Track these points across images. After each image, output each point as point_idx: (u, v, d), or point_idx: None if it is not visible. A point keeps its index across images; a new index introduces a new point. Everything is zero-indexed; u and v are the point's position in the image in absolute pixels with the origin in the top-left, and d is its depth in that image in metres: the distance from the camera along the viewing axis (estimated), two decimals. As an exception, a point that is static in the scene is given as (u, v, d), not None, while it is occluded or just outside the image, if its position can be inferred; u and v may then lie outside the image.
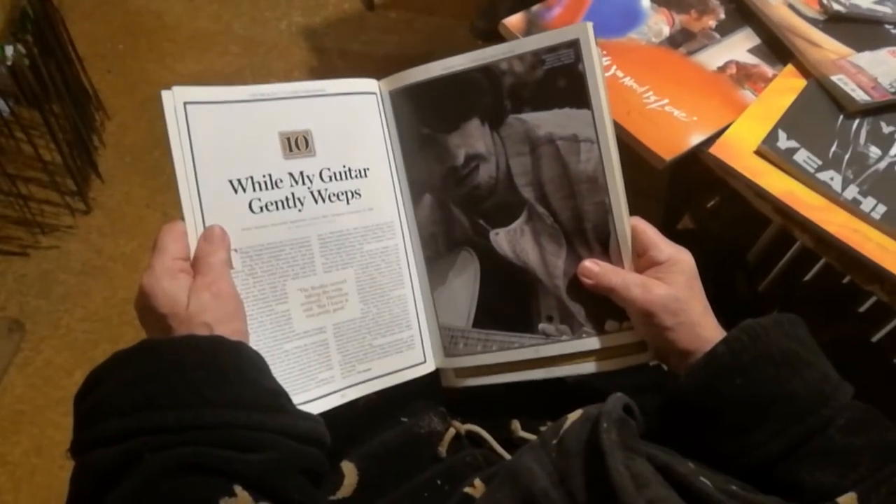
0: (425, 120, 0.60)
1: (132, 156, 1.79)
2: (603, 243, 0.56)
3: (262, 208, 0.55)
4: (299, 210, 0.56)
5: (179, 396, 0.44)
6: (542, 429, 0.57)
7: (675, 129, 0.72)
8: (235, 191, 0.54)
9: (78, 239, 1.65)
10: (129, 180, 1.75)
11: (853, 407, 0.49)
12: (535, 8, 0.83)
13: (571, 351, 0.57)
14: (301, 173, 0.56)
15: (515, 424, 0.58)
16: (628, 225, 0.56)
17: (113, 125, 1.84)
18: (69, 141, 1.59)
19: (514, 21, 0.81)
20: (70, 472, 0.44)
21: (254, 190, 0.55)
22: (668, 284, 0.53)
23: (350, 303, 0.58)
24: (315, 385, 0.56)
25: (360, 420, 0.61)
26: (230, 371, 0.46)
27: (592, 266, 0.56)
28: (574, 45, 0.55)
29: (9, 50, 1.28)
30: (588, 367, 0.57)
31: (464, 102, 0.59)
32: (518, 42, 0.57)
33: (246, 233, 0.54)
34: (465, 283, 0.60)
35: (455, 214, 0.60)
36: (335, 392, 0.56)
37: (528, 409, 0.59)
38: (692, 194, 1.27)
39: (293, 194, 0.56)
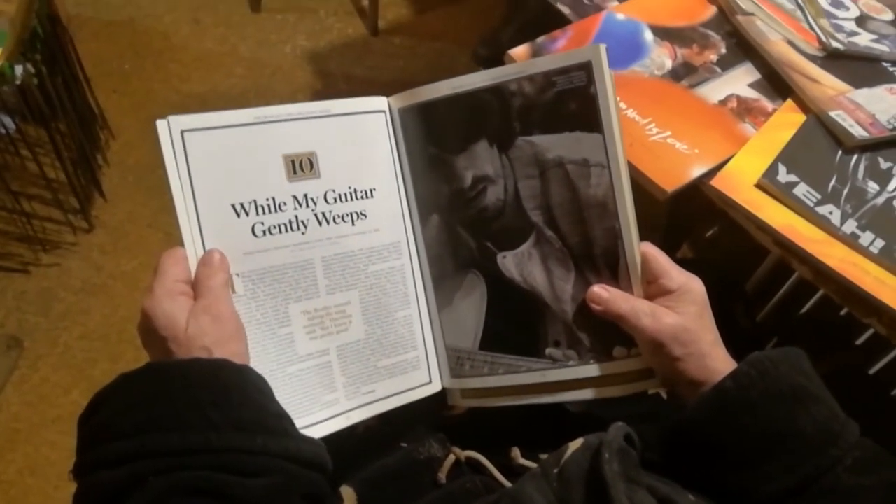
0: (433, 139, 0.59)
1: (136, 175, 1.81)
2: (612, 269, 0.55)
3: (264, 232, 0.55)
4: (303, 233, 0.56)
5: (184, 419, 0.44)
6: (543, 456, 0.57)
7: (677, 161, 0.74)
8: (238, 214, 0.54)
9: (79, 257, 1.66)
10: (131, 199, 1.76)
11: (861, 446, 0.48)
12: (540, 39, 0.84)
13: (578, 377, 0.56)
14: (305, 195, 0.56)
15: (516, 452, 0.58)
16: (638, 251, 0.55)
17: (118, 144, 1.85)
18: (74, 159, 1.61)
19: (519, 52, 0.82)
20: (65, 492, 0.44)
21: (257, 213, 0.55)
22: (679, 314, 0.52)
23: (354, 324, 0.58)
24: (319, 408, 0.56)
25: (359, 445, 0.61)
26: (234, 394, 0.46)
27: (601, 292, 0.55)
28: (586, 67, 0.54)
29: (18, 69, 1.30)
30: (594, 394, 0.57)
31: (472, 123, 0.58)
32: (529, 63, 0.56)
33: (248, 257, 0.54)
34: (472, 305, 0.60)
35: (462, 236, 0.60)
36: (340, 414, 0.56)
37: (528, 437, 0.59)
38: (691, 223, 1.28)
39: (297, 217, 0.56)
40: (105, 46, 2.06)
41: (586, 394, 0.57)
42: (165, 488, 0.42)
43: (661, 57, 0.85)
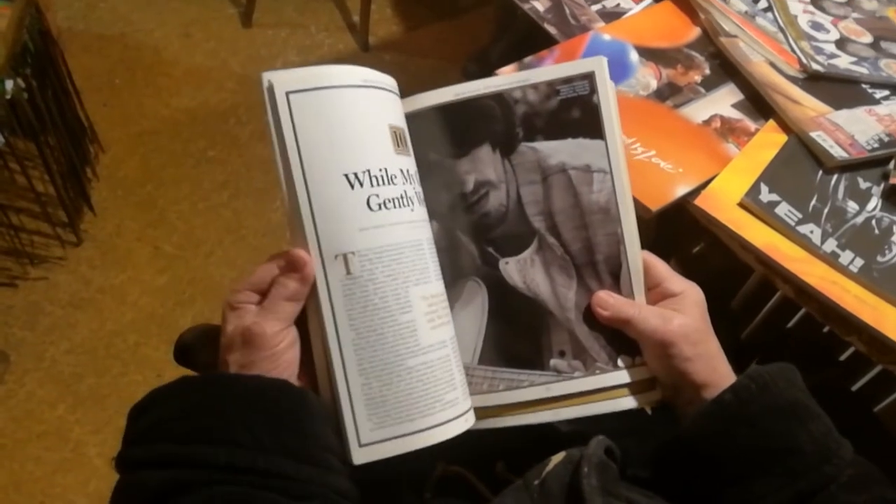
0: (434, 145, 0.59)
1: (125, 189, 1.81)
2: (614, 275, 0.56)
3: (380, 206, 0.50)
4: (412, 210, 0.52)
5: (236, 436, 0.45)
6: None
7: (662, 180, 0.75)
8: (352, 186, 0.49)
9: (67, 270, 1.65)
10: (120, 213, 1.76)
11: (855, 464, 0.49)
12: (527, 59, 0.86)
13: (583, 389, 0.55)
14: (407, 171, 0.53)
15: (501, 466, 0.58)
16: (640, 257, 0.55)
17: (107, 158, 1.85)
18: (63, 172, 1.60)
19: (507, 71, 0.84)
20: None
21: (371, 185, 0.49)
22: (686, 315, 0.53)
23: (451, 317, 0.55)
24: (440, 408, 0.50)
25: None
26: (288, 419, 0.47)
27: (607, 297, 0.55)
28: (589, 77, 0.56)
29: (8, 84, 1.30)
30: (599, 408, 0.55)
31: (475, 128, 0.58)
32: (533, 72, 0.57)
33: (364, 233, 0.49)
34: (472, 315, 0.58)
35: (463, 242, 0.58)
36: (459, 416, 0.52)
37: (513, 451, 0.59)
38: (677, 240, 1.29)
39: (405, 192, 0.52)
40: (95, 60, 2.06)
41: (590, 409, 0.55)
42: (206, 499, 0.43)
43: (647, 77, 0.86)
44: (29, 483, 1.35)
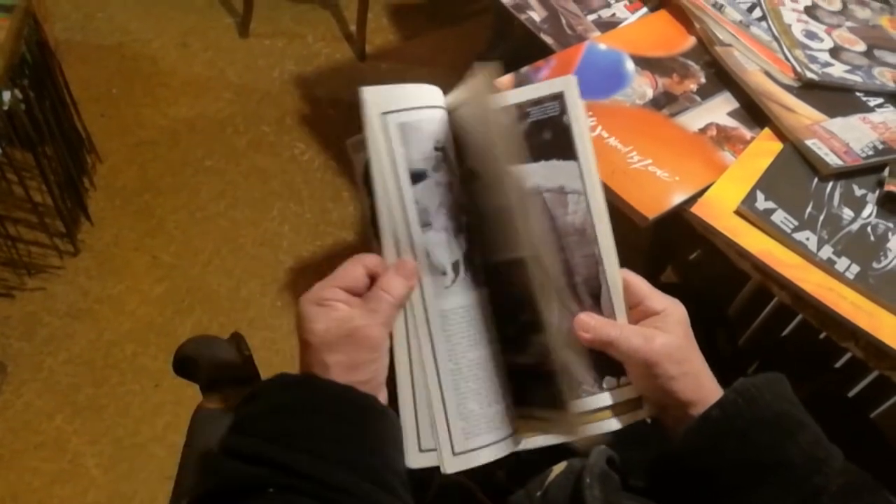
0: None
1: (122, 199, 1.81)
2: (594, 296, 0.55)
3: None
4: None
5: (317, 444, 0.46)
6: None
7: (658, 188, 0.75)
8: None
9: (64, 281, 1.65)
10: (118, 223, 1.76)
11: (846, 472, 0.49)
12: (523, 69, 0.86)
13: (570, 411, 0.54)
14: None
15: (501, 475, 0.58)
16: (620, 276, 0.55)
17: (104, 168, 1.85)
18: (60, 183, 1.60)
19: (503, 82, 0.84)
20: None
21: None
22: (669, 333, 0.53)
23: None
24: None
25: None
26: (370, 437, 0.48)
27: (588, 319, 0.54)
28: (559, 97, 0.55)
29: (6, 95, 1.30)
30: (586, 430, 0.54)
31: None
32: (501, 96, 0.57)
33: None
34: None
35: None
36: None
37: (514, 460, 0.59)
38: (674, 247, 1.30)
39: None
40: (93, 71, 2.06)
41: (577, 432, 0.54)
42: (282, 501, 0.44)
43: (642, 86, 0.87)
44: (27, 494, 1.34)
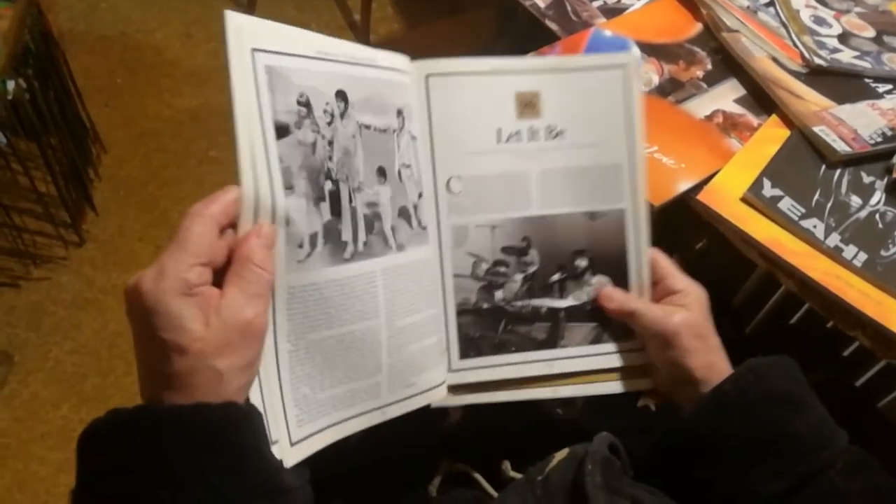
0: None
1: (127, 189, 1.81)
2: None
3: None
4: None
5: (187, 490, 0.38)
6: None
7: (664, 175, 0.75)
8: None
9: (70, 271, 1.65)
10: (122, 213, 1.76)
11: (851, 451, 0.50)
12: (528, 56, 0.85)
13: (585, 368, 0.57)
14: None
15: (506, 464, 0.58)
16: (648, 254, 0.57)
17: (109, 158, 1.85)
18: (65, 173, 1.61)
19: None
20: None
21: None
22: (689, 310, 0.55)
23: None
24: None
25: (351, 457, 0.61)
26: (242, 452, 0.40)
27: (612, 291, 0.57)
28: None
29: (10, 84, 1.30)
30: (594, 388, 0.58)
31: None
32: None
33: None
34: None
35: None
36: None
37: (518, 449, 0.59)
38: (680, 235, 1.29)
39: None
40: (97, 61, 2.06)
41: (586, 389, 0.58)
42: None
43: (648, 73, 0.86)
44: (33, 483, 1.35)
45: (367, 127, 0.51)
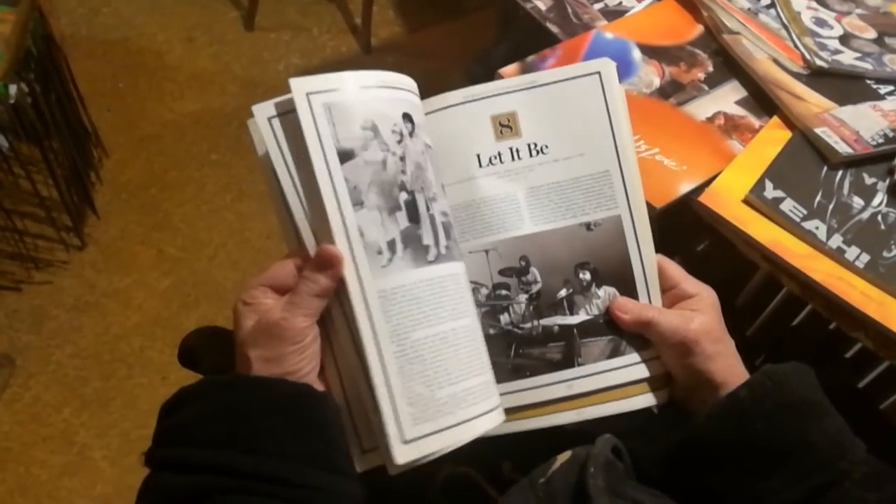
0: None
1: (128, 192, 1.81)
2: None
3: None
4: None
5: (260, 442, 0.44)
6: (535, 471, 0.57)
7: (666, 177, 0.74)
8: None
9: (71, 274, 1.66)
10: (124, 217, 1.76)
11: (869, 462, 0.49)
12: (530, 58, 0.85)
13: (606, 385, 0.56)
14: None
15: (507, 466, 0.58)
16: (654, 260, 0.56)
17: (111, 162, 1.86)
18: (66, 177, 1.61)
19: (509, 71, 0.84)
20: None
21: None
22: (704, 315, 0.54)
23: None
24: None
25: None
26: (313, 426, 0.47)
27: (626, 302, 0.56)
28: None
29: (12, 88, 1.30)
30: (621, 406, 0.56)
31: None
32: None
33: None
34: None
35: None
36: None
37: (520, 451, 0.59)
38: (682, 238, 1.29)
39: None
40: (99, 65, 2.07)
41: (610, 408, 0.56)
42: None
43: (649, 75, 0.86)
44: (35, 487, 1.35)
45: (429, 146, 0.55)
